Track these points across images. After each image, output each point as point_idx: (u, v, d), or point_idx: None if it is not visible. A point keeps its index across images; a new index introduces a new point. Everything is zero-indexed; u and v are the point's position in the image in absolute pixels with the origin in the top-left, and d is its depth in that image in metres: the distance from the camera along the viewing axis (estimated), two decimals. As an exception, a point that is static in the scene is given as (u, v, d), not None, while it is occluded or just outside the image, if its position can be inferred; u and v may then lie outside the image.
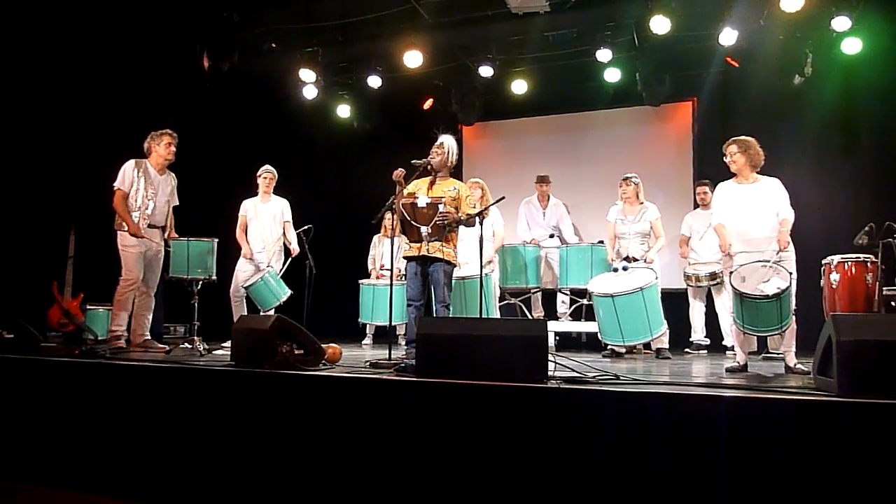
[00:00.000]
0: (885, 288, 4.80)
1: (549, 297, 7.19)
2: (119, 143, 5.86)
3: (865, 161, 7.04)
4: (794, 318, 4.26)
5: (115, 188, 5.36)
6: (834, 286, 4.96)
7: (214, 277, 5.50)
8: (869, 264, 4.87)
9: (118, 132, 6.59)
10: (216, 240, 5.57)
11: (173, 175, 5.69)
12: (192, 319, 5.41)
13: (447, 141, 4.68)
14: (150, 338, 5.52)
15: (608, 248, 6.07)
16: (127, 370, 4.06)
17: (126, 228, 5.29)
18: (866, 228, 4.79)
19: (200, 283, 5.42)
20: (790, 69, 6.89)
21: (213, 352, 5.11)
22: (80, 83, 7.00)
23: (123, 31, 6.97)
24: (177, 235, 5.60)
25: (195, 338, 5.24)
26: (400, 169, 4.52)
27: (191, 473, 3.61)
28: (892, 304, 4.88)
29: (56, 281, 6.81)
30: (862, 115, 7.08)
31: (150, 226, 5.44)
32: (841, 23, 6.20)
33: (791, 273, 4.17)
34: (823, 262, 5.11)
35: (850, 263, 4.94)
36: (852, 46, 6.55)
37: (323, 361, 4.04)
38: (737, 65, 7.34)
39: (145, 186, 5.41)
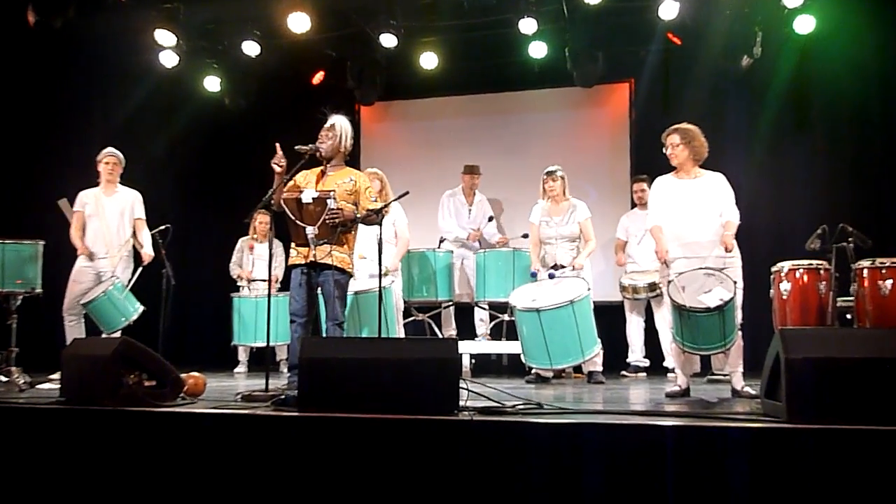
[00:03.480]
0: (839, 299, 5.05)
1: (465, 313, 7.26)
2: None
3: (819, 155, 7.45)
4: (739, 333, 4.48)
5: None
6: (784, 297, 5.21)
7: (39, 290, 5.33)
8: (822, 272, 5.13)
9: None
10: (42, 242, 5.39)
11: None
12: (10, 345, 5.22)
13: (339, 122, 4.67)
14: None
15: (532, 256, 6.15)
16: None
17: None
18: (818, 231, 4.97)
19: (21, 298, 5.24)
20: (738, 49, 7.25)
21: (38, 386, 4.96)
22: None
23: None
24: None
25: (13, 368, 5.08)
26: (279, 154, 4.45)
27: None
28: (847, 316, 5.14)
29: None
30: (816, 103, 7.50)
31: None
32: (793, -2, 6.59)
33: (736, 282, 4.38)
34: (773, 269, 5.37)
35: (801, 271, 5.19)
36: (805, 25, 6.93)
37: (182, 395, 4.00)
38: (679, 42, 7.68)
39: None
